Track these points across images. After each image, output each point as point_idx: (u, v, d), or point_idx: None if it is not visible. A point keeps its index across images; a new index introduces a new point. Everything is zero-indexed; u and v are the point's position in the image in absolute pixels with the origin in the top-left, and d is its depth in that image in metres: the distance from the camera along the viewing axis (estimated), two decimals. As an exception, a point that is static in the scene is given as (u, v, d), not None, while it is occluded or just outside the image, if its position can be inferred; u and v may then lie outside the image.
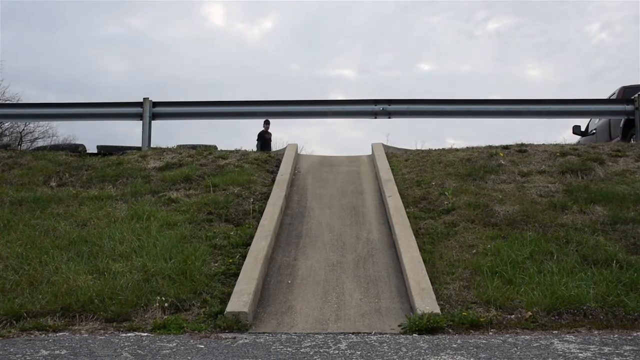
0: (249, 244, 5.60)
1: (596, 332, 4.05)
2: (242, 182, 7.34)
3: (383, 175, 7.68)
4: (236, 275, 5.03)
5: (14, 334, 4.06)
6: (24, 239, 5.62)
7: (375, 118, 9.64)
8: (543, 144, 8.55)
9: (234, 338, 4.02)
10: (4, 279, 4.80)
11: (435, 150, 9.02)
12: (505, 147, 8.44)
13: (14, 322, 4.25)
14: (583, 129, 11.77)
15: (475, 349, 3.58)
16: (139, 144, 9.46)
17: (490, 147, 8.59)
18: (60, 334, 4.08)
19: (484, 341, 3.81)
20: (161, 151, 8.83)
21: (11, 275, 4.87)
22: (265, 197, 6.94)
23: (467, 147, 8.82)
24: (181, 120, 10.31)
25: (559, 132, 29.34)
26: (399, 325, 4.31)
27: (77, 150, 9.58)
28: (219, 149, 9.26)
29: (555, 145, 8.56)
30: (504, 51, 60.80)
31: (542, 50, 59.76)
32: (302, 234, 6.22)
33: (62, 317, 4.34)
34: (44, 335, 4.05)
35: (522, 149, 8.29)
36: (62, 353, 3.47)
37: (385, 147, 9.40)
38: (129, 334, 4.09)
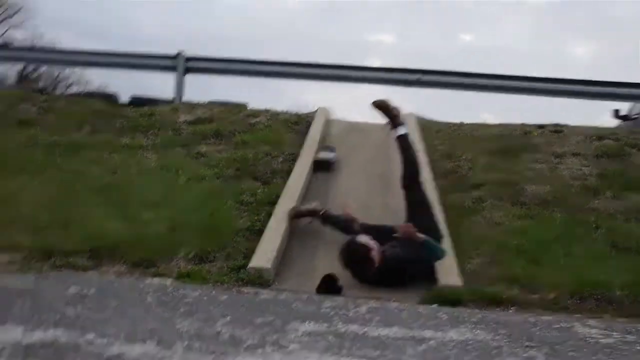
0: (275, 203, 5.63)
1: (620, 320, 4.00)
2: (272, 141, 7.35)
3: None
4: (261, 232, 5.07)
5: (46, 270, 4.17)
6: (57, 182, 5.72)
7: (410, 87, 9.52)
8: (580, 126, 8.36)
9: (256, 293, 4.07)
10: (37, 218, 4.91)
11: (467, 124, 8.89)
12: (540, 127, 8.28)
13: (47, 258, 4.37)
14: (624, 113, 11.44)
15: (495, 325, 3.57)
16: (171, 98, 9.49)
17: (524, 125, 8.44)
18: (89, 273, 4.19)
19: (504, 318, 3.81)
20: (192, 106, 8.86)
21: (44, 214, 4.98)
22: (294, 158, 6.94)
23: (501, 124, 8.68)
24: (214, 76, 10.29)
25: (598, 115, 28.56)
26: (419, 296, 4.32)
27: (110, 98, 9.65)
28: (249, 107, 9.25)
29: (593, 128, 8.36)
30: (552, 26, 58.89)
31: (592, 27, 57.58)
32: (328, 197, 6.22)
33: (91, 258, 4.44)
34: (73, 273, 4.16)
35: (557, 130, 8.13)
36: (91, 292, 3.56)
37: (417, 117, 9.29)
38: (153, 280, 4.17)
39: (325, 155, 6.96)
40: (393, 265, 4.48)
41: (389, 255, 4.55)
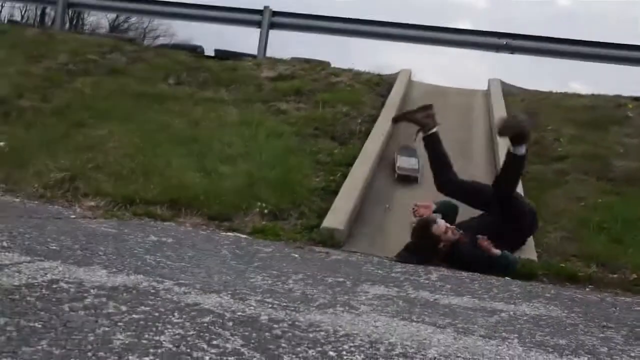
0: (351, 164, 5.62)
1: None
2: (352, 101, 7.30)
3: (497, 112, 7.37)
4: (335, 192, 5.09)
5: (128, 217, 4.37)
6: (141, 131, 5.93)
7: (497, 52, 9.17)
8: (680, 100, 7.83)
9: (327, 253, 4.12)
10: (121, 165, 5.13)
11: (556, 93, 8.49)
12: (636, 99, 7.81)
13: (128, 206, 4.57)
14: None
15: (570, 302, 3.47)
16: (254, 52, 9.56)
17: (618, 96, 7.97)
18: (167, 223, 4.35)
19: (579, 296, 3.69)
20: (275, 61, 8.90)
21: (128, 162, 5.19)
22: (373, 119, 6.88)
23: (592, 94, 8.25)
24: (299, 33, 10.25)
25: None
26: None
27: (195, 51, 9.83)
28: (332, 66, 9.20)
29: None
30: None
31: None
32: (405, 161, 6.15)
33: (169, 209, 4.61)
34: (152, 222, 4.33)
35: (654, 103, 7.65)
36: (169, 241, 3.71)
37: (503, 84, 8.96)
38: (228, 234, 4.29)
39: (407, 165, 5.75)
40: (460, 260, 4.21)
41: (460, 251, 4.24)
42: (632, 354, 2.46)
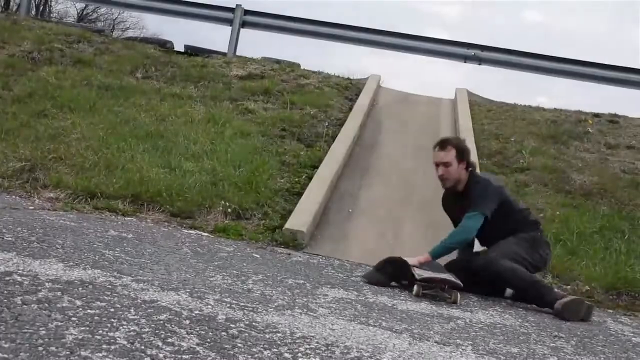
0: (317, 167, 5.64)
1: (654, 320, 3.93)
2: (320, 104, 7.32)
3: (462, 122, 7.49)
4: (300, 194, 5.10)
5: (88, 211, 4.29)
6: (106, 124, 5.84)
7: (465, 62, 9.30)
8: (638, 118, 8.07)
9: (289, 254, 4.12)
10: (84, 157, 5.04)
11: (521, 105, 8.69)
12: (596, 115, 8.04)
13: (89, 199, 4.49)
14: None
15: (524, 311, 3.55)
16: (224, 50, 9.51)
17: (579, 112, 8.20)
18: (128, 218, 4.29)
19: (534, 306, 3.76)
20: (245, 60, 8.87)
21: (91, 155, 5.11)
22: (340, 123, 6.92)
23: (555, 109, 8.45)
24: (269, 33, 10.23)
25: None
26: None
27: (165, 45, 9.72)
28: (302, 67, 9.22)
29: (652, 121, 8.07)
30: (629, 11, 55.83)
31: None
32: (370, 166, 6.21)
33: (131, 204, 4.55)
34: (113, 216, 4.27)
35: (613, 120, 7.88)
36: (129, 236, 3.66)
37: (470, 94, 9.12)
38: (190, 231, 4.26)
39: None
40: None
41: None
42: (580, 364, 2.53)
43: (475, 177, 3.99)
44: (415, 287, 3.51)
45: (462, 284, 3.56)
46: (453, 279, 3.57)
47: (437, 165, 3.95)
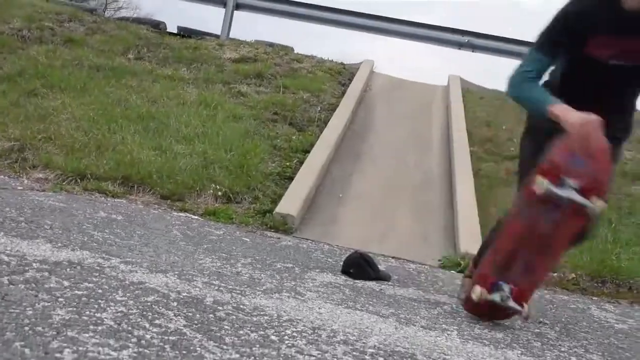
0: (309, 152, 5.64)
1: (638, 307, 3.98)
2: (313, 89, 7.31)
3: (454, 108, 7.50)
4: (291, 179, 5.11)
5: (77, 192, 4.28)
6: (97, 104, 5.81)
7: (459, 49, 9.30)
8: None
9: (279, 238, 4.14)
10: (74, 138, 5.02)
11: (513, 94, 8.68)
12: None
13: (79, 180, 4.48)
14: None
15: (510, 298, 3.58)
16: (218, 32, 9.45)
17: (571, 101, 8.21)
18: (118, 200, 4.29)
19: (521, 292, 3.80)
20: (238, 43, 8.82)
21: (81, 136, 5.08)
22: (333, 108, 6.91)
23: (547, 97, 8.46)
24: (263, 16, 10.17)
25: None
26: (439, 260, 4.34)
27: (157, 27, 9.64)
28: (295, 51, 9.17)
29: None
30: None
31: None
32: (362, 151, 6.22)
33: (121, 185, 4.54)
34: (103, 198, 4.26)
35: (604, 110, 7.90)
36: (118, 218, 3.66)
37: (463, 81, 9.12)
38: (180, 214, 4.26)
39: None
40: None
41: None
42: (563, 349, 2.56)
43: None
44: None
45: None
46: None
47: None
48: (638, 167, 6.30)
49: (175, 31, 9.44)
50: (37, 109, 5.55)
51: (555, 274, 4.29)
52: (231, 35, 9.38)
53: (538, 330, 2.85)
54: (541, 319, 3.13)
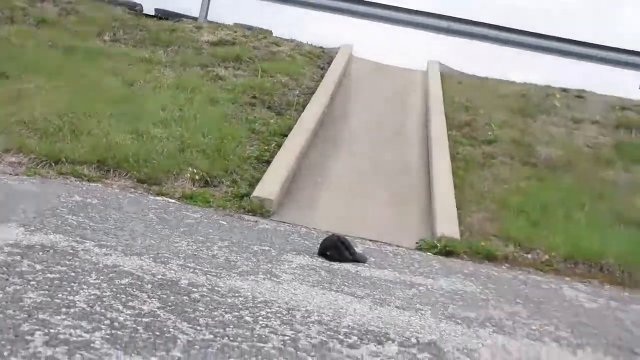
0: (286, 135, 5.63)
1: (608, 287, 4.06)
2: (291, 72, 7.28)
3: (433, 93, 7.53)
4: (268, 162, 5.10)
5: (52, 176, 4.23)
6: (71, 87, 5.73)
7: (438, 34, 9.31)
8: (604, 95, 8.19)
9: (256, 222, 4.14)
10: (48, 122, 4.94)
11: (492, 79, 8.74)
12: (564, 90, 8.14)
13: (53, 164, 4.42)
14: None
15: (485, 279, 3.63)
16: (196, 15, 9.34)
17: (548, 86, 8.28)
18: (94, 184, 4.24)
19: (495, 273, 3.86)
20: (217, 26, 8.73)
21: (55, 119, 5.01)
22: (311, 92, 6.89)
23: (525, 82, 8.53)
24: (241, -1, 10.07)
25: (630, 86, 27.51)
26: (416, 242, 4.37)
27: (134, 8, 9.49)
28: (274, 35, 9.11)
29: (617, 98, 8.19)
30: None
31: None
32: (340, 136, 6.22)
33: (97, 169, 4.49)
34: (78, 182, 4.21)
35: (580, 95, 7.99)
36: (94, 202, 3.63)
37: (442, 66, 9.13)
38: (157, 198, 4.24)
39: None
40: None
41: None
42: (533, 327, 2.61)
43: None
44: None
45: None
46: None
47: None
48: (611, 152, 6.39)
49: (152, 13, 9.31)
50: (9, 91, 5.45)
51: (529, 254, 4.36)
52: (209, 18, 9.29)
53: (511, 310, 2.91)
54: (514, 299, 3.18)
